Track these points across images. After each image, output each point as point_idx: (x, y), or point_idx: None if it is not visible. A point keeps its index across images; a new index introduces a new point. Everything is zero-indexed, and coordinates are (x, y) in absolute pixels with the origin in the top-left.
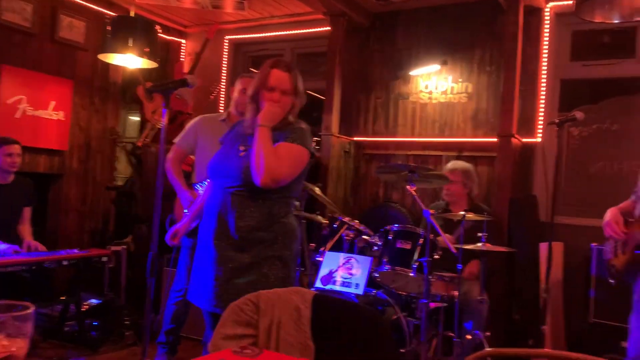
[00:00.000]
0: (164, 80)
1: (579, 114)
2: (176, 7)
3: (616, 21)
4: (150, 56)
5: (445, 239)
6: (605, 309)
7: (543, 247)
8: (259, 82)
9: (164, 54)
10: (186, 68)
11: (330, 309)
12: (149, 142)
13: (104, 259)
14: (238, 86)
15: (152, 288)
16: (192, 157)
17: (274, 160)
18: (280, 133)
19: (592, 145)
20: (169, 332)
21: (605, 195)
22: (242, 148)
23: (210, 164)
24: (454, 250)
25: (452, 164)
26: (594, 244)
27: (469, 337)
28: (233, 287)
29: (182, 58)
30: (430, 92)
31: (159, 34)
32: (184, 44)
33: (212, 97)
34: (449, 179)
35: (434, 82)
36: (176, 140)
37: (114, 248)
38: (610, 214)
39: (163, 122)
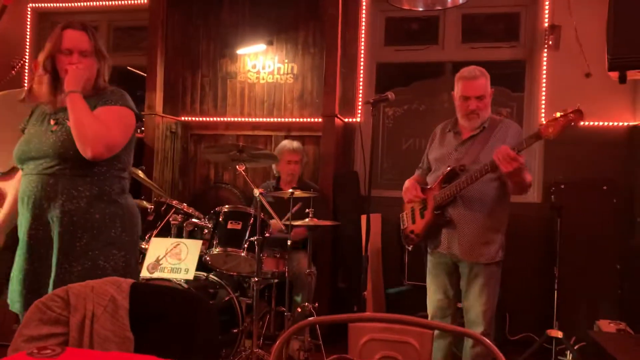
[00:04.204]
0: None
1: (390, 95)
2: None
3: (421, 9)
4: None
5: (275, 217)
6: (417, 272)
7: (363, 218)
8: (52, 46)
9: None
10: None
11: (149, 297)
12: None
13: None
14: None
15: None
16: None
17: (99, 125)
18: (95, 99)
19: (403, 124)
20: None
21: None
22: (53, 122)
23: (16, 151)
24: (283, 227)
25: (291, 144)
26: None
27: (299, 310)
28: (60, 282)
29: None
30: (258, 72)
31: None
32: None
33: (14, 72)
34: (285, 157)
35: (261, 62)
36: None
37: None
38: (408, 183)
39: None
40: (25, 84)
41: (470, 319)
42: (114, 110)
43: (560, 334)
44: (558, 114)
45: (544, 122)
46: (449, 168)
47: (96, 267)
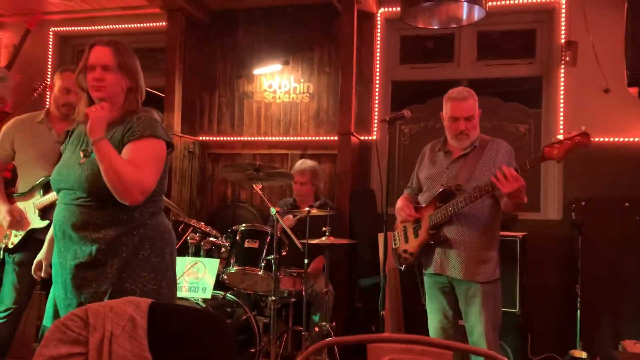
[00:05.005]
0: None
1: (406, 112)
2: None
3: (436, 27)
4: None
5: (292, 235)
6: None
7: (380, 237)
8: (82, 64)
9: None
10: (3, 62)
11: (168, 317)
12: None
13: None
14: (58, 83)
15: None
16: (14, 162)
17: (132, 171)
18: (122, 129)
19: (420, 141)
20: None
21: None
22: (82, 154)
23: (51, 178)
24: (300, 246)
25: (300, 165)
26: None
27: (316, 329)
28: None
29: None
30: (274, 92)
31: None
32: None
33: (36, 94)
34: (294, 177)
35: (277, 81)
36: None
37: None
38: (401, 202)
39: None
40: (47, 106)
41: (474, 341)
42: (144, 146)
43: (584, 355)
44: (563, 137)
45: (550, 143)
46: (442, 188)
47: (123, 291)
